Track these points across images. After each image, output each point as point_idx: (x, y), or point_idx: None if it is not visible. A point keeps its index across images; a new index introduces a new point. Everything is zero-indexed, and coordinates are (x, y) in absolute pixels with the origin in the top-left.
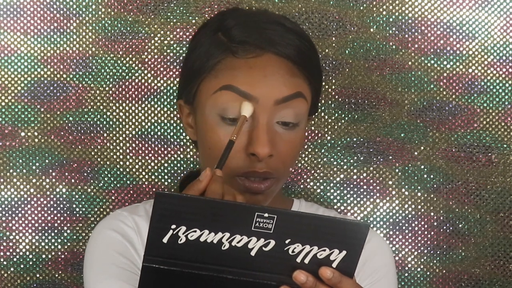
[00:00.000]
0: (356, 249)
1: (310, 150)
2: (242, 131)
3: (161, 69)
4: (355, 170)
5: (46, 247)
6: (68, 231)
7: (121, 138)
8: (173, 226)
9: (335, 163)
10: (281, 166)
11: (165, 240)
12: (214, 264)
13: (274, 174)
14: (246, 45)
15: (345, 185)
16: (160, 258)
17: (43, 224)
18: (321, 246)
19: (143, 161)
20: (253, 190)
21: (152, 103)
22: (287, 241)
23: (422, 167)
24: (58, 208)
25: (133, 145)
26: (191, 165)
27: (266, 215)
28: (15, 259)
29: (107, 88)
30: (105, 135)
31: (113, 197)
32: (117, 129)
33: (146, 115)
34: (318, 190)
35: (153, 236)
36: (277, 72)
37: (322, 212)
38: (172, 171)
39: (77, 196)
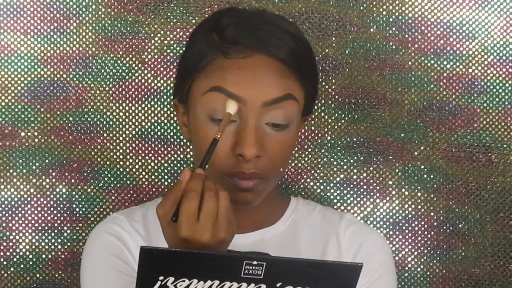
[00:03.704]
0: (349, 286)
1: (310, 150)
2: (230, 132)
3: (161, 69)
4: (355, 170)
5: (46, 247)
6: (68, 231)
7: (121, 138)
8: (161, 278)
9: (335, 163)
10: (270, 167)
11: None
12: None
13: (262, 175)
14: (237, 45)
15: (345, 185)
16: None
17: (43, 224)
18: (313, 287)
19: (143, 161)
20: (241, 188)
21: (152, 103)
22: (278, 285)
23: (422, 167)
24: (58, 208)
25: (133, 145)
26: (191, 165)
27: (255, 262)
28: (15, 259)
29: (107, 88)
30: (105, 135)
31: (113, 197)
32: (117, 129)
33: (146, 115)
34: (318, 190)
35: (141, 287)
36: (266, 73)
37: (320, 210)
38: (172, 171)
39: (77, 196)
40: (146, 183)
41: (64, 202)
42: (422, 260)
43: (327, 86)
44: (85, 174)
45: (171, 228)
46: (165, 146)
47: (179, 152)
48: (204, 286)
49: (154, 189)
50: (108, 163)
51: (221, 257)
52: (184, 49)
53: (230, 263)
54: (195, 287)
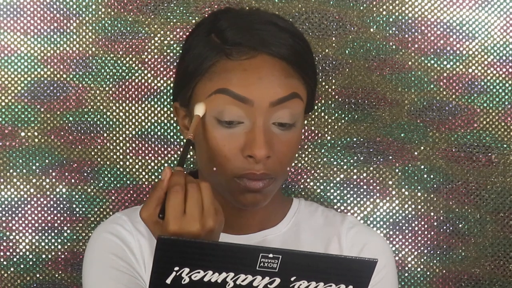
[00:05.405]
0: (363, 282)
1: (310, 150)
2: (238, 134)
3: (161, 69)
4: (355, 170)
5: (46, 247)
6: (68, 231)
7: (121, 138)
8: (176, 268)
9: (335, 163)
10: (279, 167)
11: (168, 281)
12: None
13: (271, 175)
14: (240, 46)
15: (345, 185)
16: None
17: (43, 224)
18: (327, 282)
19: (143, 161)
20: (251, 189)
21: (152, 103)
22: (292, 279)
23: (422, 167)
24: (58, 208)
25: (133, 145)
26: (191, 165)
27: (270, 255)
28: (15, 259)
29: (107, 88)
30: (105, 135)
31: (113, 197)
32: (117, 129)
33: (146, 115)
34: (318, 190)
35: (156, 277)
36: (271, 73)
37: (322, 212)
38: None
39: (77, 196)
40: (146, 183)
41: (64, 202)
42: (422, 260)
43: (327, 86)
44: (85, 174)
45: (158, 227)
46: (165, 146)
47: (179, 152)
48: (219, 278)
49: None
50: (108, 163)
51: (237, 248)
52: (181, 53)
53: (245, 255)
54: (209, 279)
